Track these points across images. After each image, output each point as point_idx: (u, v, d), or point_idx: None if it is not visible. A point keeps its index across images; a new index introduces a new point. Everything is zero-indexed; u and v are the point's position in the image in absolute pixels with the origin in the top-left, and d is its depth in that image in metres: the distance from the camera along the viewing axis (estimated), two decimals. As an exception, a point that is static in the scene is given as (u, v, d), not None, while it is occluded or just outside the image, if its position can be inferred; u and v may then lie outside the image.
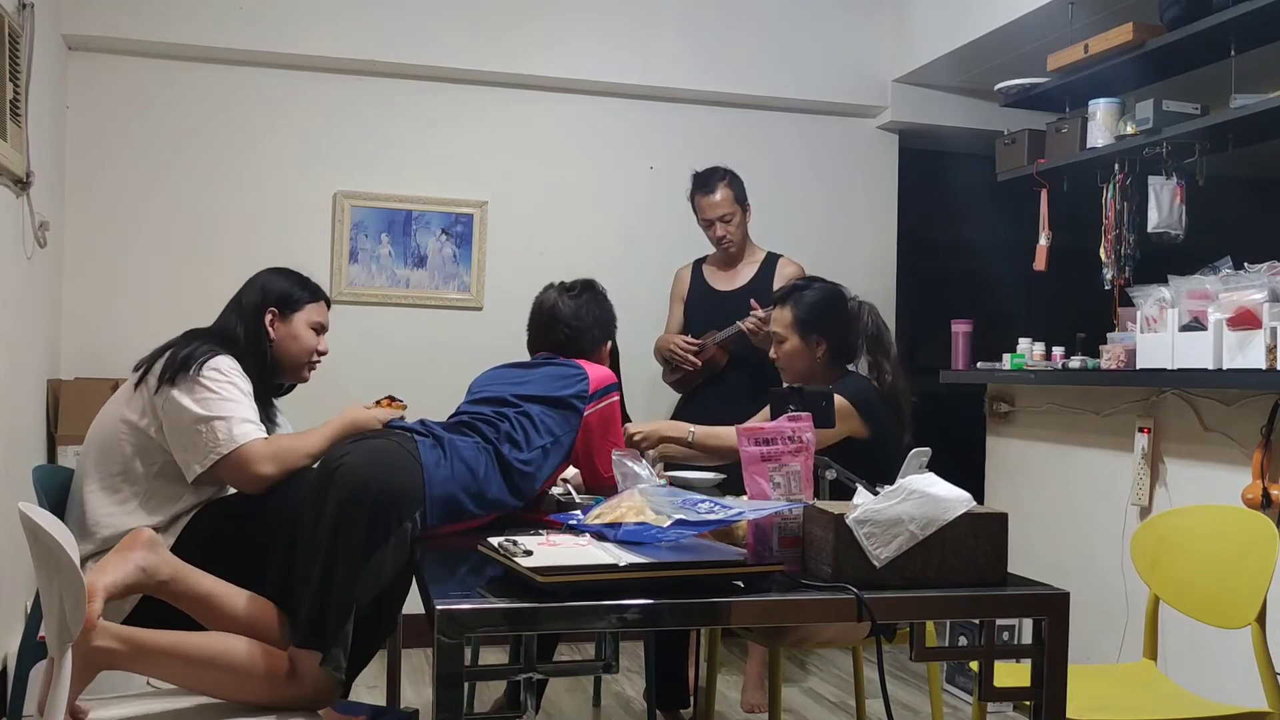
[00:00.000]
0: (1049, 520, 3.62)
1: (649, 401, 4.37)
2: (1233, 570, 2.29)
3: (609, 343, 2.75)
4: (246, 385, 2.38)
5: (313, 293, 2.61)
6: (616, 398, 2.52)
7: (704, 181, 3.74)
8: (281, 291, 2.55)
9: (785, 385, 2.93)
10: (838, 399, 2.57)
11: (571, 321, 2.65)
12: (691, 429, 2.83)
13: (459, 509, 2.14)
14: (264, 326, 2.49)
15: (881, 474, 2.22)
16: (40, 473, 2.45)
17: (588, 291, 2.72)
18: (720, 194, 3.70)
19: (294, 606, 2.02)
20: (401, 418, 2.79)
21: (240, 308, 2.51)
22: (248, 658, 1.96)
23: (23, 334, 3.51)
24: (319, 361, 2.63)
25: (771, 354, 2.88)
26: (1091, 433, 3.45)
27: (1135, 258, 3.63)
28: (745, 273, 3.80)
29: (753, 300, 3.56)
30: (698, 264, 3.94)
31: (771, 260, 3.80)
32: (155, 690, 2.06)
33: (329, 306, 2.68)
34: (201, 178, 4.24)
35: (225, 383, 2.31)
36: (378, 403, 2.73)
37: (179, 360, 2.32)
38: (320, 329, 2.62)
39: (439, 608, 1.53)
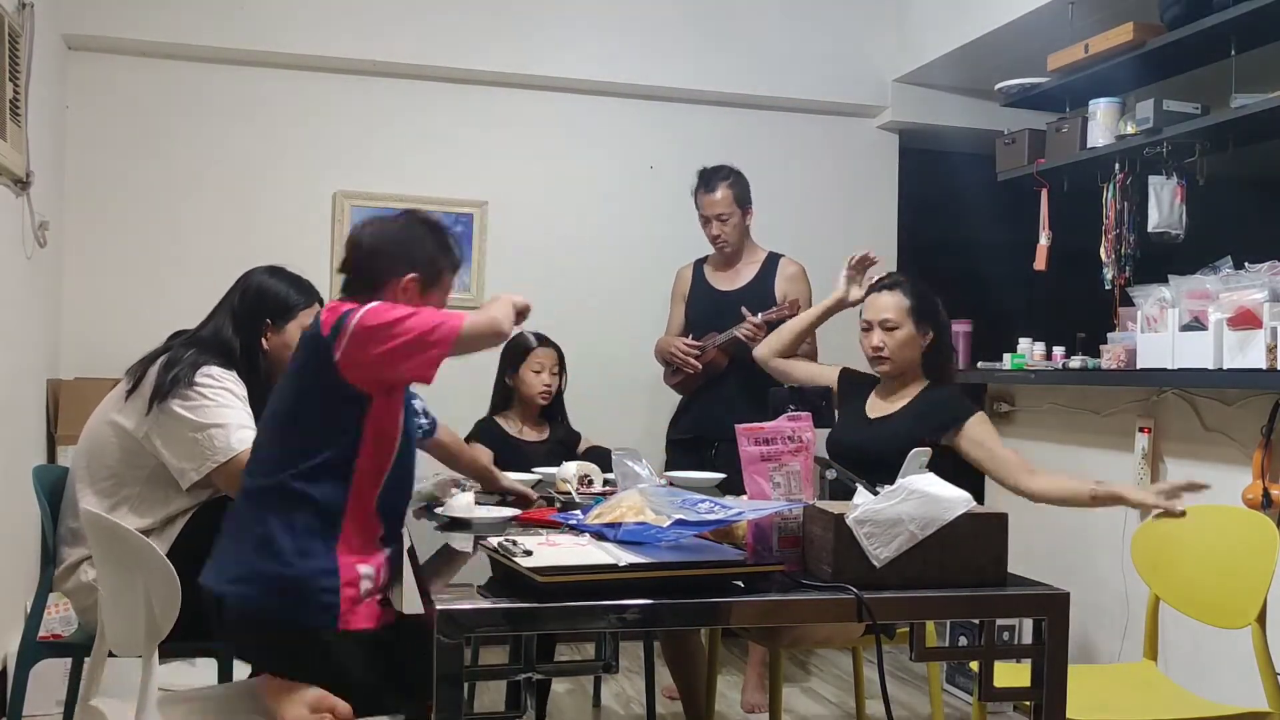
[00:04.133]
0: (1049, 520, 3.62)
1: (650, 402, 4.37)
2: (1232, 570, 2.29)
3: (416, 274, 2.06)
4: (241, 390, 2.36)
5: (307, 296, 2.56)
6: (373, 306, 1.93)
7: (707, 179, 3.75)
8: (277, 300, 2.49)
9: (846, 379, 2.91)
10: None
11: (365, 240, 2.09)
12: None
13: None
14: (259, 338, 2.45)
15: None
16: (40, 473, 2.45)
17: (404, 215, 2.18)
18: (720, 193, 3.70)
19: None
20: None
21: (235, 316, 2.46)
22: None
23: (23, 334, 3.51)
24: None
25: (876, 342, 2.75)
26: (1092, 433, 3.45)
27: (1135, 257, 3.63)
28: (746, 272, 3.80)
29: (744, 309, 3.56)
30: (699, 264, 3.93)
31: (773, 260, 3.80)
32: (169, 693, 2.06)
33: (322, 306, 2.65)
34: (201, 177, 4.23)
35: (219, 389, 2.30)
36: None
37: (173, 372, 2.30)
38: None
39: (439, 608, 1.53)
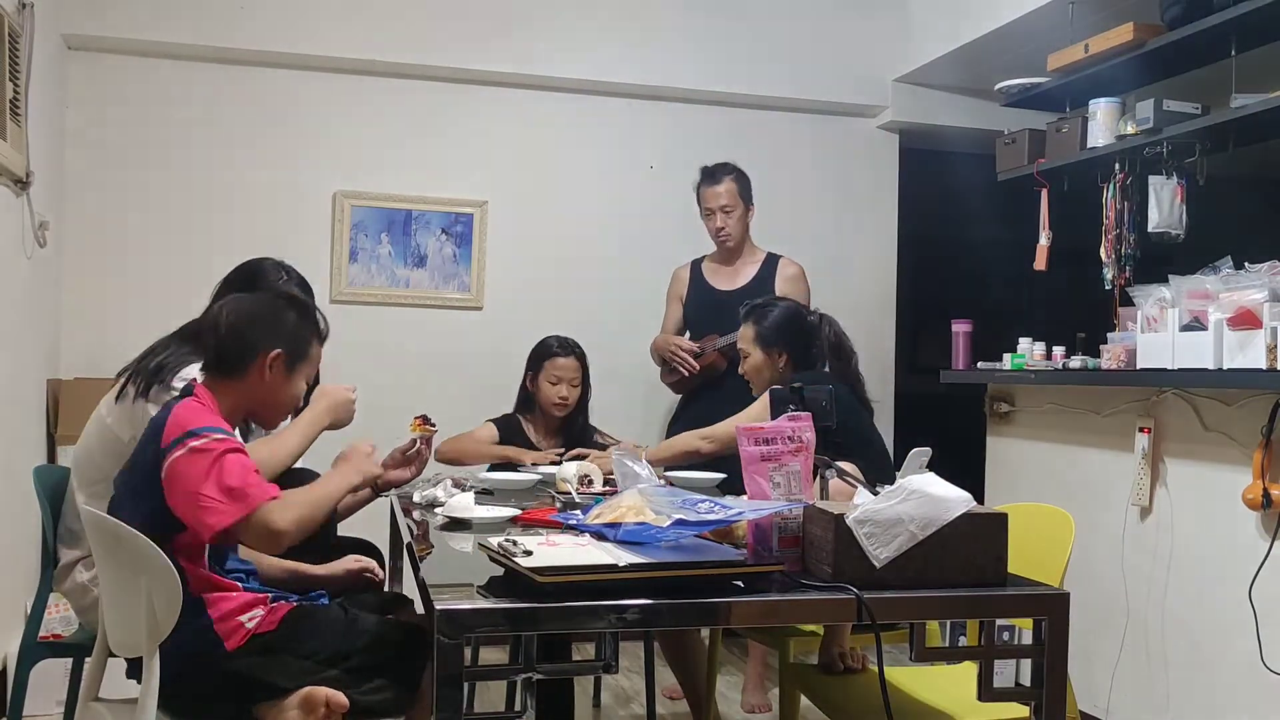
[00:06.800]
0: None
1: (647, 402, 4.37)
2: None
3: (281, 350, 2.05)
4: None
5: (286, 275, 2.52)
6: (205, 441, 1.87)
7: (711, 173, 3.78)
8: (254, 273, 2.47)
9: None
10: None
11: (223, 321, 2.07)
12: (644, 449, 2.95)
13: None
14: None
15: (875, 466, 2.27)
16: (40, 473, 2.45)
17: (264, 293, 2.22)
18: (725, 185, 3.72)
19: None
20: (429, 439, 2.74)
21: (215, 298, 2.43)
22: None
23: (23, 334, 3.51)
24: None
25: (740, 369, 3.08)
26: (1092, 433, 3.45)
27: (1136, 257, 3.63)
28: (746, 272, 3.80)
29: None
30: (696, 264, 3.93)
31: (772, 261, 3.80)
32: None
33: (312, 299, 2.57)
34: (201, 177, 4.23)
35: None
36: (413, 421, 2.68)
37: (151, 370, 2.28)
38: None
39: (439, 608, 1.53)
